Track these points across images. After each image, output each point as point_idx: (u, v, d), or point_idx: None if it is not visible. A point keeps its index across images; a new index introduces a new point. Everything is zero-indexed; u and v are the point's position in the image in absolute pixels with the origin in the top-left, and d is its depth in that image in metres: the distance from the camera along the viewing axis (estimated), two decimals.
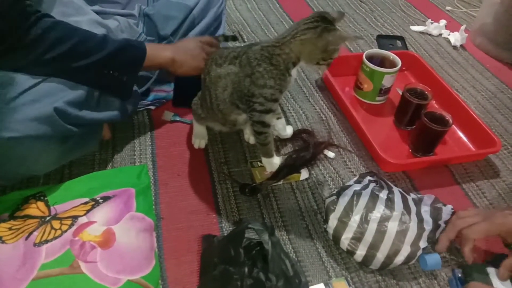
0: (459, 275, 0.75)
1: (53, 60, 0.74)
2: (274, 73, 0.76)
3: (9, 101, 0.70)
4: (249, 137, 1.00)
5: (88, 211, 0.74)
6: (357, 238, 0.75)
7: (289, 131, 0.93)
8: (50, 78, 0.75)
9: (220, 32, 1.28)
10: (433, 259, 0.76)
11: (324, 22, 0.75)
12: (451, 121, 0.97)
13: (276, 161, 0.87)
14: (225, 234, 0.80)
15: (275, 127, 0.90)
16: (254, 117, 0.80)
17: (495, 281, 0.71)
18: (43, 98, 0.73)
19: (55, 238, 0.68)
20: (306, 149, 0.97)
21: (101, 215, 0.73)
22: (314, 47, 0.75)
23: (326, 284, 0.73)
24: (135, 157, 0.95)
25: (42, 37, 0.71)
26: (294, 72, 0.79)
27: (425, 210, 0.79)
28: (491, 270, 0.73)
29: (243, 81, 0.78)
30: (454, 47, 1.47)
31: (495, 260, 0.78)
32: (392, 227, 0.74)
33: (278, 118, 0.90)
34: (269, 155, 0.85)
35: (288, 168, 0.91)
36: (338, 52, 0.78)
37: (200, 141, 0.98)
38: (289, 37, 0.76)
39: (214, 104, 0.84)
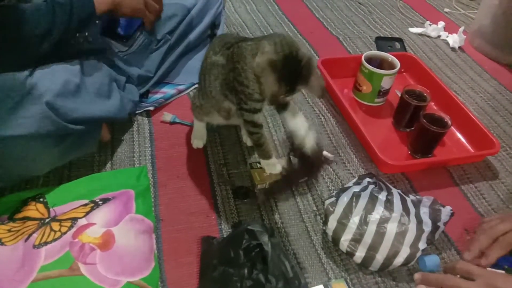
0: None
1: (9, 50, 0.73)
2: (248, 74, 0.74)
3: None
4: (247, 138, 0.99)
5: (87, 213, 0.74)
6: (356, 239, 0.75)
7: (308, 141, 0.79)
8: (36, 72, 0.74)
9: (219, 33, 1.29)
10: (432, 260, 0.77)
11: (285, 60, 0.69)
12: (449, 122, 0.97)
13: (274, 162, 0.87)
14: (225, 236, 0.80)
15: (289, 125, 0.81)
16: (244, 115, 0.79)
17: None
18: (32, 92, 0.72)
19: (54, 240, 0.68)
20: (306, 163, 0.84)
21: (101, 217, 0.73)
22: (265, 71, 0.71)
23: (325, 286, 0.73)
24: (134, 158, 0.95)
25: None
26: None
27: (424, 211, 0.79)
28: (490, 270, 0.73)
29: (229, 75, 0.77)
30: (453, 49, 1.47)
31: (498, 262, 0.78)
32: (391, 228, 0.74)
33: (293, 114, 0.82)
34: (267, 157, 0.85)
35: (285, 183, 0.87)
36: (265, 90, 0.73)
37: (198, 141, 0.98)
38: (264, 38, 0.73)
39: (208, 90, 0.83)
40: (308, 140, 0.79)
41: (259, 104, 0.78)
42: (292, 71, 0.71)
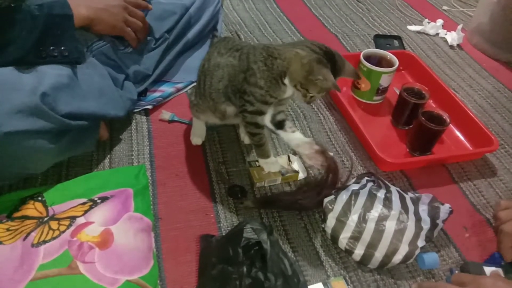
0: (456, 273, 0.75)
1: None
2: (266, 74, 0.75)
3: None
4: (244, 136, 0.99)
5: (86, 211, 0.74)
6: (355, 237, 0.75)
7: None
8: (28, 68, 0.74)
9: (218, 33, 1.29)
10: (431, 258, 0.77)
11: (325, 56, 0.73)
12: (448, 120, 0.97)
13: (273, 161, 0.87)
14: (223, 234, 0.80)
15: (289, 140, 0.83)
16: (246, 118, 0.80)
17: None
18: (25, 87, 0.71)
19: (53, 238, 0.68)
20: (311, 193, 0.85)
21: (99, 215, 0.73)
22: (299, 67, 0.73)
23: (324, 284, 0.73)
24: (132, 157, 0.95)
25: None
26: (288, 82, 0.75)
27: (423, 209, 0.79)
28: (487, 269, 0.73)
29: (238, 76, 0.77)
30: (451, 47, 1.47)
31: (492, 259, 0.78)
32: (390, 226, 0.74)
33: (293, 131, 0.83)
34: (265, 156, 0.85)
35: (283, 205, 0.87)
36: (318, 92, 0.74)
37: (197, 138, 0.98)
38: (290, 46, 0.75)
39: (207, 92, 0.83)
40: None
41: (265, 107, 0.78)
42: (332, 64, 0.73)
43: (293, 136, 0.82)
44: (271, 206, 0.86)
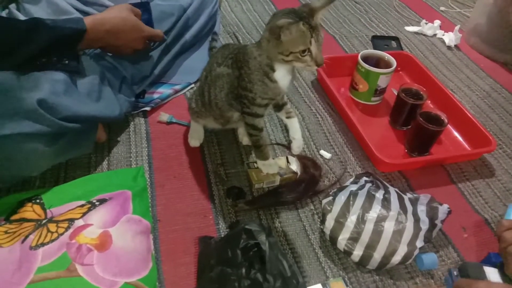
0: (455, 274, 0.75)
1: None
2: (251, 77, 0.75)
3: None
4: (243, 137, 0.99)
5: (84, 213, 0.73)
6: (354, 238, 0.75)
7: (296, 145, 0.85)
8: (25, 72, 0.75)
9: (217, 36, 1.29)
10: (429, 258, 0.77)
11: (279, 16, 0.68)
12: (446, 120, 0.98)
13: (271, 163, 0.87)
14: (222, 236, 0.80)
15: (287, 127, 0.84)
16: (246, 119, 0.80)
17: (491, 279, 0.71)
18: (22, 91, 0.71)
19: (51, 241, 0.68)
20: (297, 185, 0.89)
21: (98, 217, 0.73)
22: (268, 46, 0.70)
23: (323, 285, 0.73)
24: (131, 159, 0.94)
25: None
26: (279, 76, 0.74)
27: (422, 209, 0.79)
28: (487, 269, 0.73)
29: (234, 82, 0.78)
30: (449, 47, 1.47)
31: (487, 260, 0.78)
32: (389, 227, 0.74)
33: (288, 117, 0.84)
34: (264, 158, 0.85)
35: (271, 200, 0.88)
36: (302, 44, 0.68)
37: (194, 140, 0.98)
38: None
39: (213, 102, 0.83)
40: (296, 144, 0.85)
41: (260, 109, 0.79)
42: (297, 14, 0.68)
43: (290, 124, 0.85)
44: (262, 204, 0.87)
